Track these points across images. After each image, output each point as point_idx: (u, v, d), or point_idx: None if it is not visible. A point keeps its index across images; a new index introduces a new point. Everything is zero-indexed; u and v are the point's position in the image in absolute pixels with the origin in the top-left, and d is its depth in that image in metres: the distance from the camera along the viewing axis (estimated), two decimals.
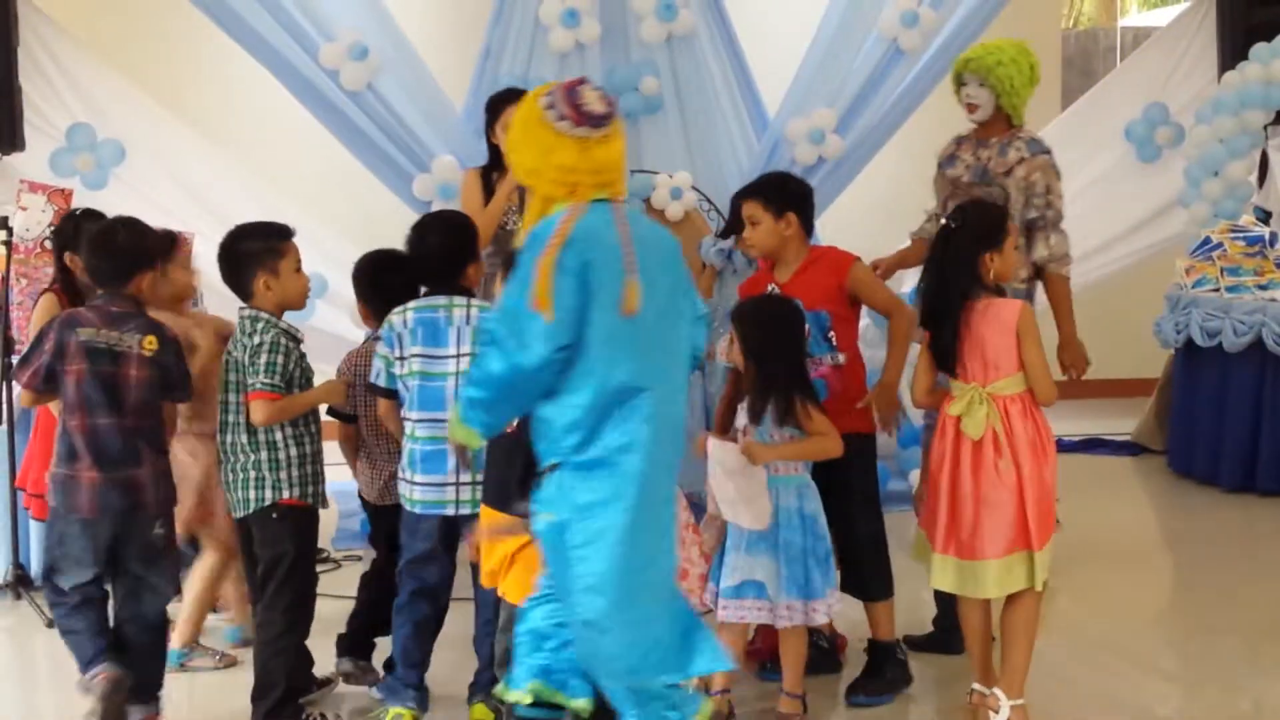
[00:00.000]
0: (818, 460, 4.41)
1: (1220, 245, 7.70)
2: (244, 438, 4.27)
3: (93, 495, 4.14)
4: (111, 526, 4.18)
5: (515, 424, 3.68)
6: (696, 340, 3.68)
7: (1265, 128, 7.52)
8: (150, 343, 4.18)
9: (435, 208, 6.38)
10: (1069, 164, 7.26)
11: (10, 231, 5.62)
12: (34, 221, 5.88)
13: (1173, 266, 7.89)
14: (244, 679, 4.41)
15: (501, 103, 5.65)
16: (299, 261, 4.36)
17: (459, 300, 4.38)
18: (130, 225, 4.33)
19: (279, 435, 4.27)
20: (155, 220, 5.82)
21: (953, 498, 4.17)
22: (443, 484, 4.29)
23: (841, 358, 4.57)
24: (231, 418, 4.31)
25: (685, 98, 6.85)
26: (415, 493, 4.33)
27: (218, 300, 5.06)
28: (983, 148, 5.29)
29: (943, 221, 4.30)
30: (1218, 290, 7.60)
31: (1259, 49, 7.40)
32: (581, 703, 3.51)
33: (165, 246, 4.68)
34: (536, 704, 3.56)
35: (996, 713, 4.18)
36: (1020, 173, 5.18)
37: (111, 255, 4.26)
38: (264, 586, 4.32)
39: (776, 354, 4.36)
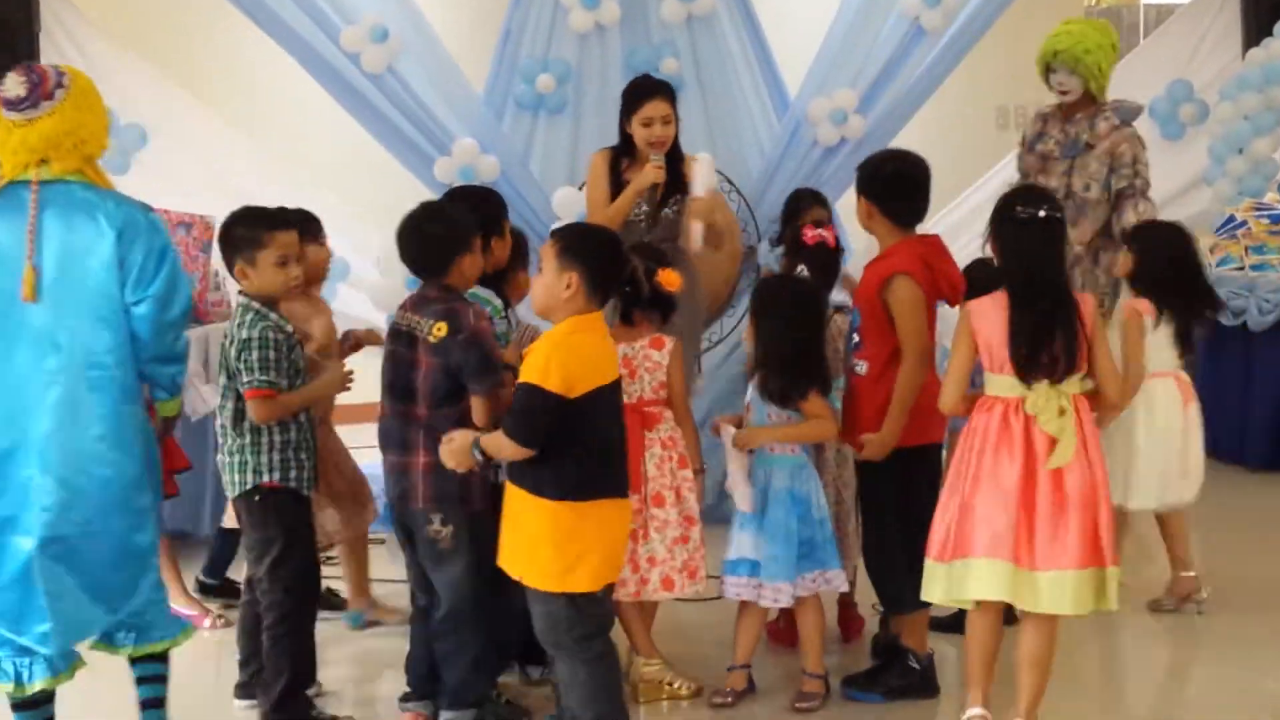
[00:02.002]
0: (811, 442, 4.50)
1: (1244, 223, 7.66)
2: (230, 421, 4.27)
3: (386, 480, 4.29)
4: (398, 513, 4.29)
5: None
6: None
7: None
8: (439, 329, 4.08)
9: None
10: None
11: None
12: None
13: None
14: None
15: (644, 95, 5.68)
16: (285, 256, 4.21)
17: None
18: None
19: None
20: (177, 205, 5.89)
21: (1026, 498, 3.88)
22: None
23: (860, 366, 4.49)
24: (220, 401, 4.32)
25: (706, 78, 6.82)
26: None
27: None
28: (1070, 123, 5.72)
29: (1040, 214, 3.98)
30: (1242, 269, 7.57)
31: None
32: None
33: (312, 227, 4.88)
34: None
35: None
36: (1108, 144, 5.56)
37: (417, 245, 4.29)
38: (257, 571, 4.34)
39: (775, 334, 4.42)
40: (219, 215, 5.87)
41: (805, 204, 5.62)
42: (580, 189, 6.39)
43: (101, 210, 3.75)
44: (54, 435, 3.70)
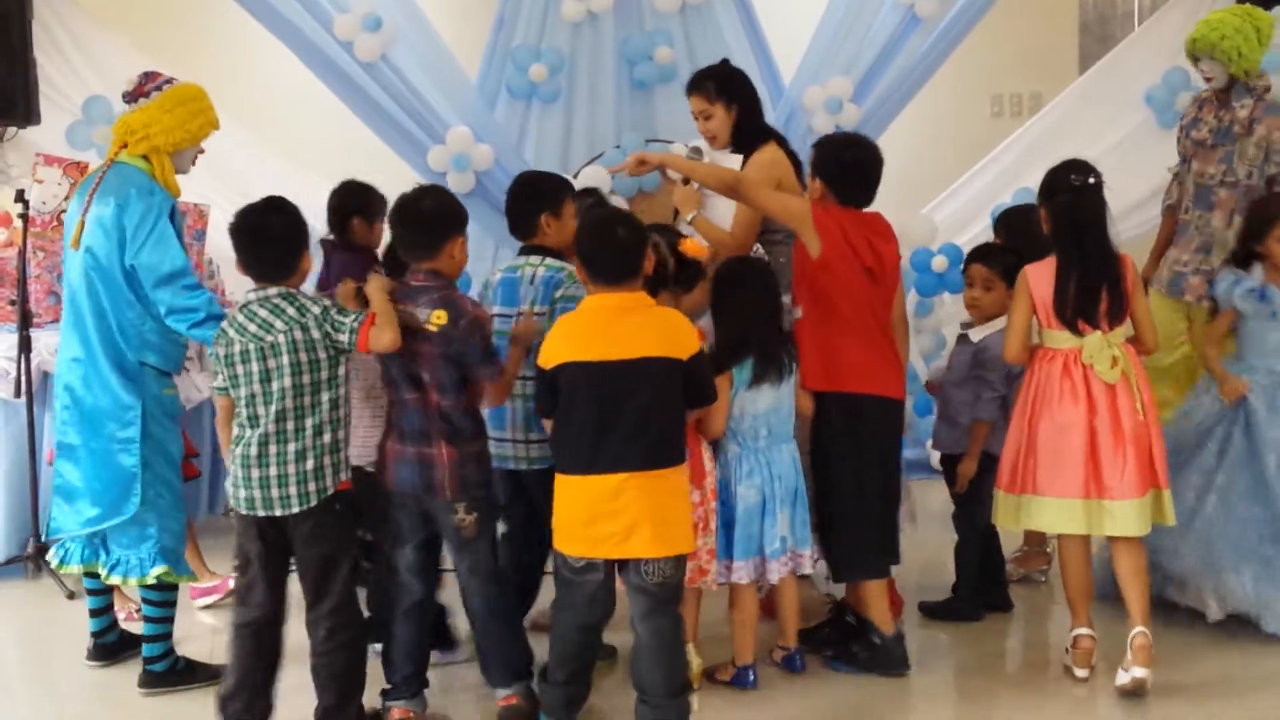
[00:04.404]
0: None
1: None
2: (293, 422, 4.10)
3: (395, 470, 4.18)
4: (417, 505, 4.20)
5: None
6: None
7: None
8: (438, 317, 4.08)
9: (449, 179, 6.38)
10: (1087, 129, 7.27)
11: (27, 205, 5.63)
12: (50, 195, 5.92)
13: None
14: None
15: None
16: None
17: (535, 259, 4.59)
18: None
19: None
20: None
21: (1091, 439, 4.43)
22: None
23: (796, 312, 4.68)
24: (266, 406, 4.13)
25: (700, 66, 6.81)
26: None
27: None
28: (1224, 109, 5.81)
29: (1090, 180, 4.51)
30: None
31: None
32: None
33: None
34: None
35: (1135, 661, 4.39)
36: (1262, 130, 5.69)
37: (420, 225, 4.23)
38: (332, 587, 4.13)
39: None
40: (212, 203, 5.93)
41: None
42: (574, 177, 6.38)
43: (118, 187, 4.53)
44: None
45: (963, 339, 5.21)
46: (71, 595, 5.41)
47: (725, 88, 5.22)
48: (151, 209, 4.47)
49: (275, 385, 4.01)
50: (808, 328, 4.60)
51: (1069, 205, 4.51)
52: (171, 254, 4.45)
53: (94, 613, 4.80)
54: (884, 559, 4.65)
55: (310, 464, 4.02)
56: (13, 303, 5.78)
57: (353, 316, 4.05)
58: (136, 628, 4.85)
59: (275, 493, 4.02)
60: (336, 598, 4.07)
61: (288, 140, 7.30)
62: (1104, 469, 4.43)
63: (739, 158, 5.16)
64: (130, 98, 4.66)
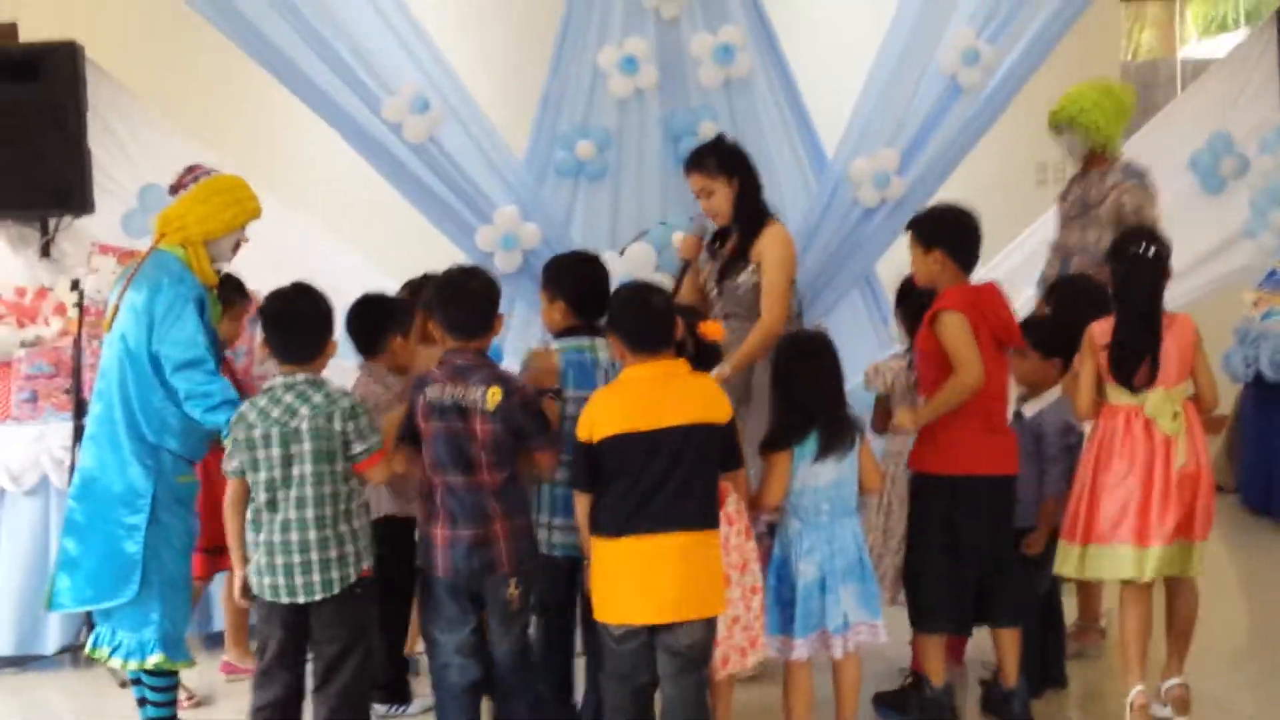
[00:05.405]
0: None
1: None
2: (330, 509, 4.24)
3: (449, 555, 4.21)
4: (468, 586, 4.24)
5: None
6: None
7: None
8: (495, 394, 4.16)
9: (497, 258, 6.42)
10: None
11: (82, 294, 5.70)
12: (105, 284, 5.98)
13: (1240, 299, 7.80)
14: None
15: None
16: None
17: (600, 341, 4.57)
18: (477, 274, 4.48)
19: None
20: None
21: (1146, 489, 4.62)
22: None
23: (920, 402, 4.85)
24: (301, 491, 4.26)
25: (743, 140, 6.81)
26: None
27: None
28: (1085, 180, 6.11)
29: (1149, 251, 4.72)
30: None
31: None
32: None
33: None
34: None
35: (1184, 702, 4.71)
36: (1113, 197, 5.94)
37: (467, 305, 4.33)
38: (341, 670, 4.25)
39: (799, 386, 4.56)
40: (264, 289, 5.98)
41: None
42: (621, 254, 6.42)
43: (153, 274, 4.63)
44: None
45: (1018, 416, 5.19)
46: (124, 684, 5.44)
47: (725, 163, 5.29)
48: (179, 296, 4.57)
49: (296, 470, 4.11)
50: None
51: (1126, 271, 4.72)
52: (193, 340, 4.53)
53: (140, 702, 4.82)
54: (963, 618, 4.84)
55: (334, 552, 4.11)
56: (67, 392, 5.85)
57: (375, 440, 4.18)
58: (191, 716, 4.88)
59: (299, 580, 4.10)
60: (345, 681, 4.17)
61: (340, 222, 7.39)
62: (1152, 517, 4.61)
63: None
64: (173, 190, 4.84)
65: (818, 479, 4.47)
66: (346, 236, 7.18)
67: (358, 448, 4.15)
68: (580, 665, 4.73)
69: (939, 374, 4.71)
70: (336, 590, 4.12)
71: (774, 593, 4.52)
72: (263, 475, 4.13)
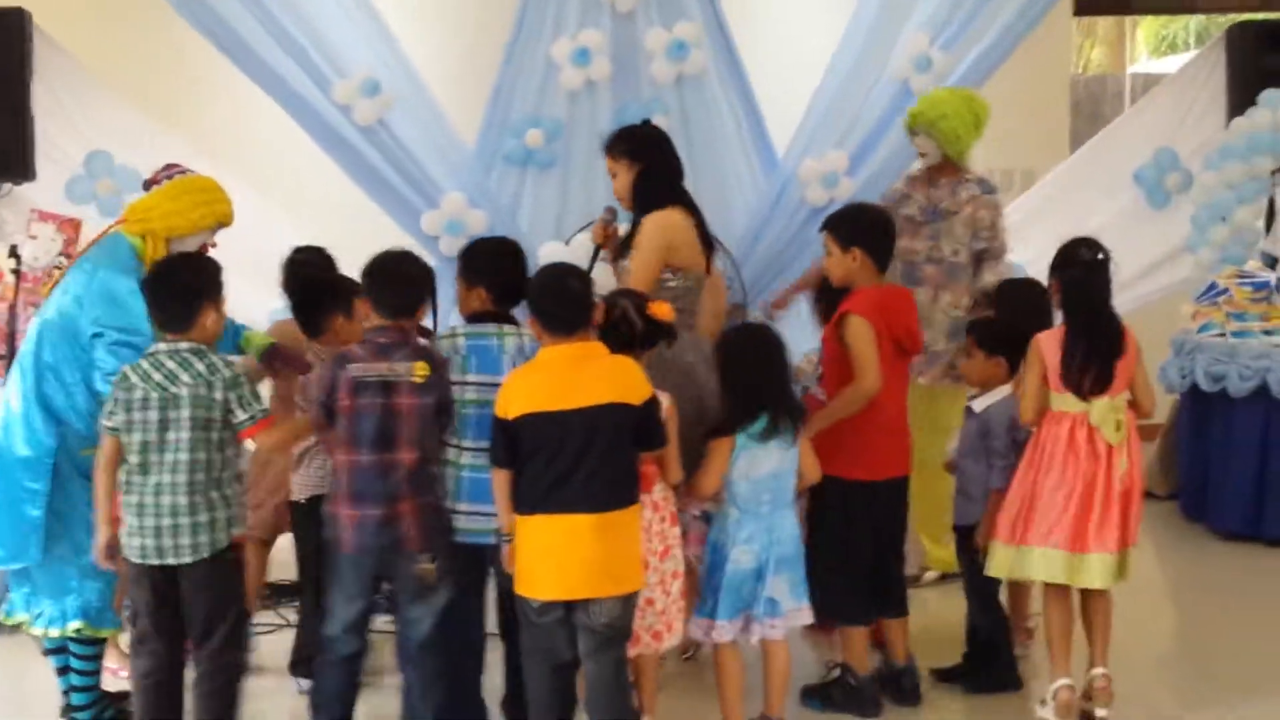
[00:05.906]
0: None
1: (1226, 290, 7.71)
2: (203, 473, 4.25)
3: (357, 534, 4.22)
4: (374, 562, 4.26)
5: None
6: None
7: (1273, 173, 7.52)
8: (421, 368, 4.22)
9: (442, 243, 6.40)
10: (1078, 207, 7.34)
11: (20, 260, 5.65)
12: (43, 250, 5.95)
13: (1177, 311, 7.89)
14: None
15: None
16: None
17: (509, 329, 4.55)
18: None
19: None
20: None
21: (1086, 497, 4.67)
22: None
23: (819, 393, 5.03)
24: (173, 456, 4.27)
25: (694, 136, 6.86)
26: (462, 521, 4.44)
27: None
28: (934, 188, 6.17)
29: (1099, 256, 4.87)
30: (1223, 335, 7.61)
31: (1268, 95, 7.40)
32: None
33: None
34: None
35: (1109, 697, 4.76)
36: (969, 210, 6.03)
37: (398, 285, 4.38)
38: (216, 633, 4.27)
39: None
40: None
41: None
42: (566, 244, 6.41)
43: (100, 254, 4.68)
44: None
45: (968, 411, 5.26)
46: (48, 651, 5.38)
47: (630, 148, 5.27)
48: (123, 277, 4.57)
49: (172, 436, 4.14)
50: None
51: (1080, 279, 4.79)
52: (137, 328, 4.50)
53: (60, 671, 4.79)
54: (869, 608, 4.92)
55: (204, 517, 4.14)
56: (2, 358, 5.79)
57: (259, 408, 4.22)
58: (113, 685, 4.86)
59: (168, 542, 4.13)
60: (215, 646, 4.20)
61: (285, 198, 7.34)
62: (1090, 525, 4.68)
63: None
64: (146, 185, 4.92)
65: (759, 469, 4.50)
66: (300, 215, 7.12)
67: (240, 415, 4.18)
68: (493, 652, 4.71)
69: (842, 373, 4.82)
70: (206, 554, 4.15)
71: (707, 577, 4.56)
72: (137, 437, 4.15)
